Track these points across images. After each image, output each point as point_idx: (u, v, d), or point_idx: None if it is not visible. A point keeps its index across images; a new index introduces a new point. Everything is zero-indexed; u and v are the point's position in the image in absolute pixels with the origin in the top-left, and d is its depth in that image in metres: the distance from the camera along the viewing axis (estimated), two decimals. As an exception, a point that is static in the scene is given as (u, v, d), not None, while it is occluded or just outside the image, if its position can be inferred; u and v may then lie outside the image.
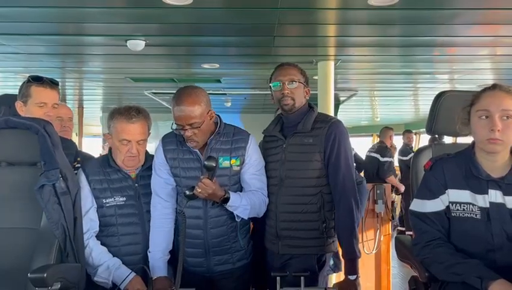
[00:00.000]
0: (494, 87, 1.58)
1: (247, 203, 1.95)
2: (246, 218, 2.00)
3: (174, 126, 1.94)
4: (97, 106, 9.38)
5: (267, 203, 2.05)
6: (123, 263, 1.97)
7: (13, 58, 5.00)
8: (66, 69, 5.76)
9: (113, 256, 1.98)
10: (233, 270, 2.04)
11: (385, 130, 6.34)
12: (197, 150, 1.99)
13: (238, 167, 1.99)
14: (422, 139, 11.39)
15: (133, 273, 1.93)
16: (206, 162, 1.83)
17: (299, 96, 2.05)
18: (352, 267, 1.97)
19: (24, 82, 2.14)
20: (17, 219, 1.76)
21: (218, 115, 2.05)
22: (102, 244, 2.00)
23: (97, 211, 2.00)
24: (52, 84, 2.14)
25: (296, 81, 2.03)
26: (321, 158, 2.00)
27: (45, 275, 1.50)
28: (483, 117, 1.55)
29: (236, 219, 1.99)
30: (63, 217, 1.74)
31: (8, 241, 1.73)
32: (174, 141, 2.02)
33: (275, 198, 2.04)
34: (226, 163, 1.97)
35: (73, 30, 3.99)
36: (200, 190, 1.84)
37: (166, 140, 2.05)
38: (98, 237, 2.01)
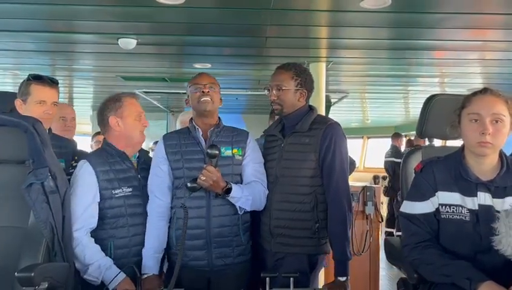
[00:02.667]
0: (485, 91, 1.60)
1: (248, 194, 1.99)
2: (248, 209, 2.03)
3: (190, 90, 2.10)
4: (87, 105, 9.30)
5: (266, 195, 2.08)
6: (132, 253, 1.98)
7: (2, 55, 4.94)
8: (56, 67, 5.70)
9: (124, 247, 1.98)
10: (233, 266, 2.02)
11: (397, 135, 7.07)
12: (200, 141, 2.04)
13: (240, 157, 2.05)
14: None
15: (123, 275, 1.91)
16: (208, 150, 1.90)
17: (288, 100, 2.08)
18: (342, 269, 1.98)
19: (24, 80, 2.17)
20: (4, 218, 1.73)
21: (219, 117, 2.15)
22: (111, 236, 1.97)
23: (105, 202, 1.97)
24: (52, 82, 2.17)
25: (282, 88, 2.06)
26: (316, 158, 2.01)
27: (33, 274, 1.48)
28: (474, 120, 1.57)
29: (238, 212, 2.00)
30: (51, 216, 1.71)
31: (-5, 240, 1.71)
32: (175, 137, 2.10)
33: (269, 195, 2.06)
34: (228, 152, 2.04)
35: (64, 28, 3.95)
36: (204, 178, 1.87)
37: (167, 136, 2.15)
38: (106, 229, 1.98)
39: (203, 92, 2.05)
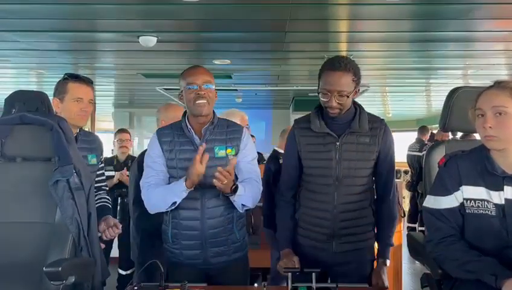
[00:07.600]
0: (493, 85, 1.58)
1: (249, 190, 1.98)
2: (251, 206, 2.02)
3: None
4: (109, 102, 9.45)
5: (261, 191, 2.08)
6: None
7: (26, 55, 5.05)
8: (79, 65, 5.81)
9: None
10: (229, 262, 2.04)
11: (423, 129, 6.90)
12: (194, 141, 2.00)
13: (234, 157, 2.00)
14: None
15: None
16: None
17: (348, 104, 1.98)
18: (388, 253, 2.07)
19: (60, 80, 2.23)
20: (32, 214, 1.78)
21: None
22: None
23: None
24: (88, 81, 2.24)
25: (345, 95, 1.95)
26: (375, 157, 2.01)
27: (60, 269, 1.52)
28: (479, 116, 1.57)
29: (240, 210, 2.00)
30: (77, 212, 1.76)
31: (23, 236, 1.76)
32: (170, 133, 2.05)
33: (331, 198, 1.98)
34: (222, 152, 2.01)
35: (86, 27, 4.02)
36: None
37: (161, 132, 2.08)
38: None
39: (198, 94, 1.97)
